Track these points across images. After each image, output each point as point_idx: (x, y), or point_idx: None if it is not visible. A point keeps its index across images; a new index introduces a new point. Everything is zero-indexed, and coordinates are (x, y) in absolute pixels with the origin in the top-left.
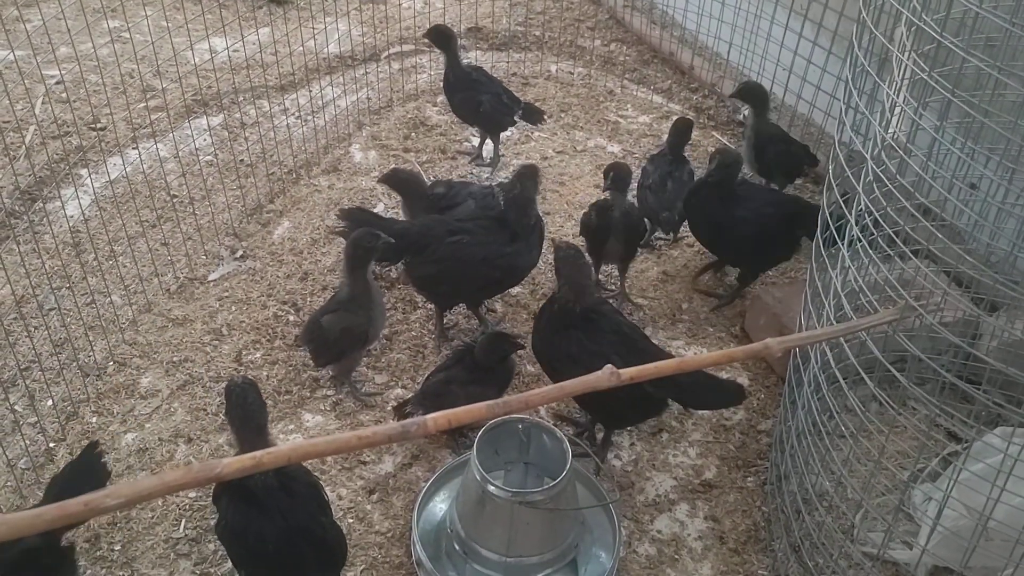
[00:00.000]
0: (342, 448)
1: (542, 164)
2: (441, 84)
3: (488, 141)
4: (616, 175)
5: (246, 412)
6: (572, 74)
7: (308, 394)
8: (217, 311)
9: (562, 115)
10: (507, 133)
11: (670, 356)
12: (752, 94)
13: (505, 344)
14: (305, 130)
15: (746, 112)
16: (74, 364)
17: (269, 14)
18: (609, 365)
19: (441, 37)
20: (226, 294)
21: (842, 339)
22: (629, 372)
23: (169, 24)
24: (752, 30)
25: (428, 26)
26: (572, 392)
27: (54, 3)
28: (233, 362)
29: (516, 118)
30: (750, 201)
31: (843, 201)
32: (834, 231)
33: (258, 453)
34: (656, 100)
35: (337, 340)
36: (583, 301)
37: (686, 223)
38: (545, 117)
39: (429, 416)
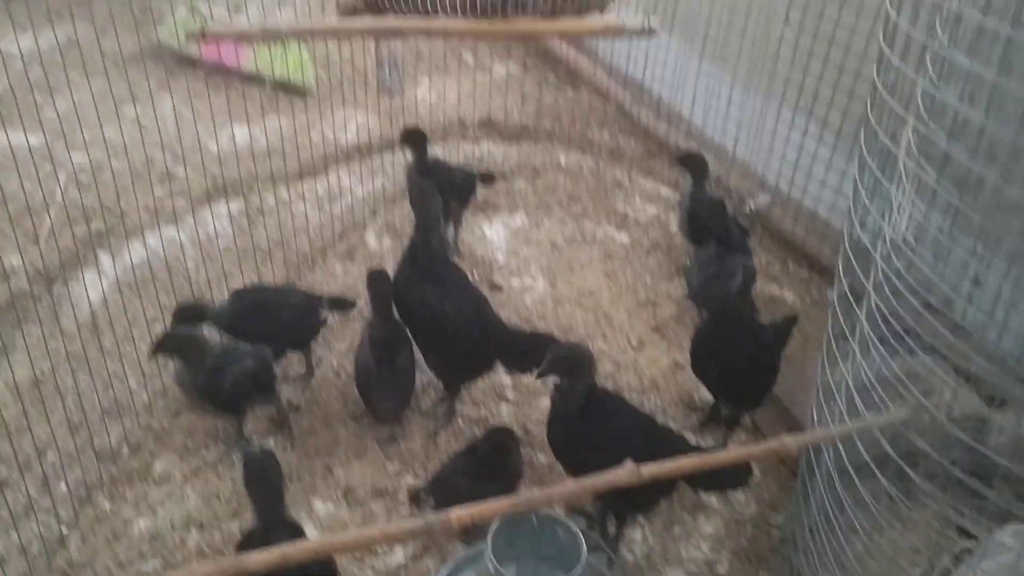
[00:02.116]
0: (367, 542)
1: (552, 252)
2: None
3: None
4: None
5: (265, 483)
6: (581, 165)
7: (320, 482)
8: None
9: (572, 205)
10: (517, 223)
11: (682, 439)
12: (693, 163)
13: (505, 439)
14: (322, 217)
15: (752, 205)
16: (89, 448)
17: (290, 104)
18: (629, 462)
19: (420, 139)
20: None
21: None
22: (650, 470)
23: (191, 112)
24: (757, 126)
25: (442, 118)
26: (594, 489)
27: (78, 90)
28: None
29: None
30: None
31: (851, 296)
32: (844, 325)
33: (286, 548)
34: (664, 191)
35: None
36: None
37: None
38: (495, 178)
39: (453, 513)
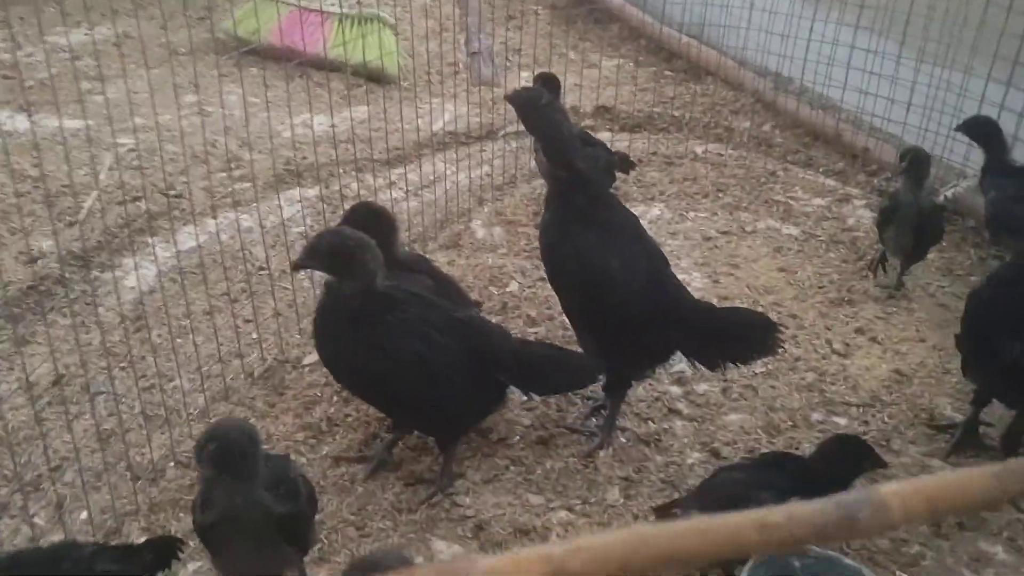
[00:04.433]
0: (726, 546)
1: (705, 244)
2: None
3: None
4: (913, 158)
5: None
6: (723, 155)
7: (442, 515)
8: (315, 402)
9: (720, 195)
10: (657, 212)
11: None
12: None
13: (865, 452)
14: (416, 204)
15: (949, 193)
16: (122, 464)
17: (373, 93)
18: None
19: (553, 84)
20: (325, 381)
21: None
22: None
23: (261, 101)
24: (933, 107)
25: None
26: None
27: (133, 79)
28: (332, 468)
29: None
30: None
31: None
32: None
33: (556, 551)
34: (829, 183)
35: None
36: None
37: None
38: (635, 164)
39: (892, 490)
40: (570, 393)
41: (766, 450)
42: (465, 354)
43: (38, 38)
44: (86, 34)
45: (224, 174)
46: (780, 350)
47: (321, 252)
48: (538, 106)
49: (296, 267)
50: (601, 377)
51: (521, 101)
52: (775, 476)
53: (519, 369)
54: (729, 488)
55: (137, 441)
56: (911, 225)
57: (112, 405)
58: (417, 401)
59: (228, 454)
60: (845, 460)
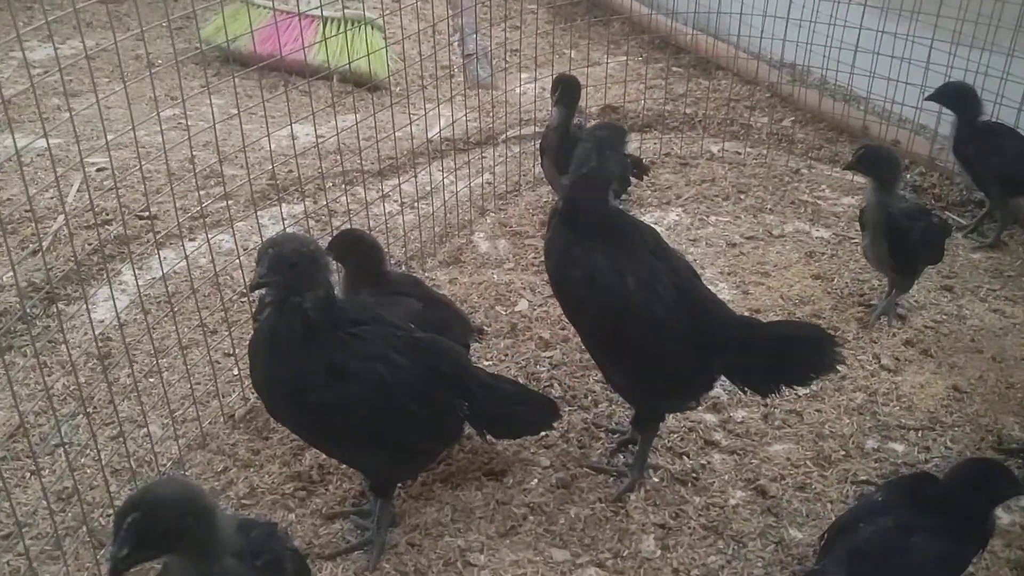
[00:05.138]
0: None
1: (731, 252)
2: None
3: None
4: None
5: None
6: (741, 154)
7: None
8: (304, 447)
9: (741, 196)
10: (674, 217)
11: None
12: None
13: (1008, 481)
14: (412, 218)
15: None
16: (82, 530)
17: (363, 100)
18: None
19: (573, 89)
20: None
21: None
22: None
23: (241, 112)
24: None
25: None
26: None
27: (106, 94)
28: (325, 526)
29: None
30: None
31: None
32: None
33: None
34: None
35: None
36: None
37: None
38: (649, 169)
39: None
40: (593, 427)
41: (818, 484)
42: (426, 376)
43: (5, 53)
44: (58, 47)
45: (202, 192)
46: (841, 367)
47: (285, 263)
48: (606, 149)
49: (257, 286)
50: (556, 424)
51: (597, 139)
52: (918, 514)
53: (480, 396)
54: (884, 543)
55: (101, 500)
56: (883, 234)
57: (72, 458)
58: (372, 432)
59: (152, 529)
60: (985, 490)
